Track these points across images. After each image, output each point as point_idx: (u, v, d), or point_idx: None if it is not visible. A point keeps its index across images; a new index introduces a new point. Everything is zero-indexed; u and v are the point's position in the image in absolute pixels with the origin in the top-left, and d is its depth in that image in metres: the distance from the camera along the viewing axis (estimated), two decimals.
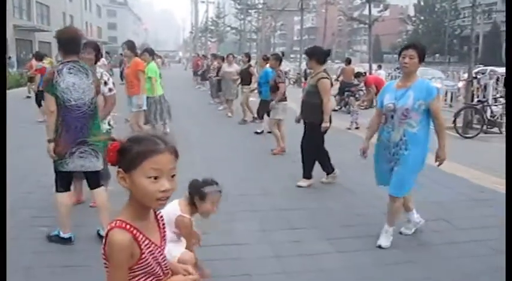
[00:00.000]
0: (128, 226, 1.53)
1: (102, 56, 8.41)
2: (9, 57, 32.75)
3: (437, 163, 4.18)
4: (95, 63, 4.74)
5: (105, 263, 1.56)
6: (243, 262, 3.77)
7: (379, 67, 22.32)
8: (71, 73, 3.76)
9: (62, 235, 4.00)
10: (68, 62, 3.81)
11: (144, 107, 7.78)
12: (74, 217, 4.57)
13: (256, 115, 10.56)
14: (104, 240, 1.54)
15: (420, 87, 4.03)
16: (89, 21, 64.13)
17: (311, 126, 5.90)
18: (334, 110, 13.51)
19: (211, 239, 4.17)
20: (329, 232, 4.44)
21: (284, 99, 8.04)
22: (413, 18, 61.38)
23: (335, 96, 15.31)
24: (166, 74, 34.14)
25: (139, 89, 7.50)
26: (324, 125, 5.73)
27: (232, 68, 12.66)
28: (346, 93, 13.11)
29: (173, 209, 2.97)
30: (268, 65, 9.47)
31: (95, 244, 3.97)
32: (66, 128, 3.79)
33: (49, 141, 3.83)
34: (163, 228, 1.71)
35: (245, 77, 11.97)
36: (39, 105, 11.14)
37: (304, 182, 5.93)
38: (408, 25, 63.50)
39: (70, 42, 3.86)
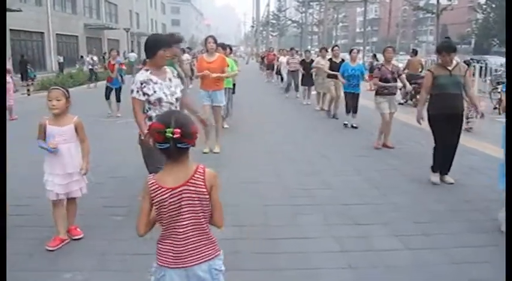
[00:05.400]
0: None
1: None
2: (81, 57, 34.45)
3: None
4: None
5: (205, 197, 2.05)
6: (308, 256, 3.74)
7: None
8: None
9: None
10: None
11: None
12: None
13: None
14: (200, 178, 2.04)
15: None
16: (154, 19, 66.17)
17: (462, 117, 5.75)
18: (400, 104, 13.15)
19: (276, 233, 4.19)
20: (397, 229, 4.32)
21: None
22: (484, 6, 58.18)
23: (400, 89, 14.83)
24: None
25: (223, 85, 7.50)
26: (479, 110, 5.74)
27: (325, 62, 12.19)
28: (412, 85, 12.67)
29: None
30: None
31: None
32: None
33: None
34: None
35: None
36: (107, 98, 11.74)
37: (452, 178, 5.77)
38: (478, 13, 60.31)
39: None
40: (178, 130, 1.92)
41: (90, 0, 41.14)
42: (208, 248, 2.11)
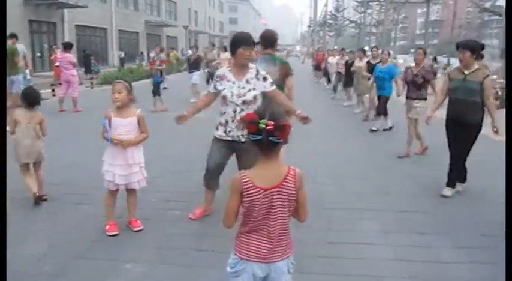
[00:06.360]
0: None
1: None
2: (141, 53, 35.51)
3: None
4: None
5: (294, 198, 2.11)
6: (369, 263, 3.66)
7: None
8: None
9: None
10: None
11: None
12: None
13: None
14: (291, 180, 2.09)
15: None
16: (212, 17, 67.21)
17: (473, 129, 5.27)
18: None
19: (338, 237, 4.15)
20: (458, 240, 4.14)
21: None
22: None
23: None
24: None
25: None
26: (494, 125, 5.20)
27: (362, 63, 11.87)
28: None
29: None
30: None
31: (224, 230, 4.11)
32: None
33: None
34: None
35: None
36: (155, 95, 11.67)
37: (449, 191, 5.43)
38: None
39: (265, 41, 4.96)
40: (272, 122, 1.96)
41: None
42: (290, 244, 2.20)
